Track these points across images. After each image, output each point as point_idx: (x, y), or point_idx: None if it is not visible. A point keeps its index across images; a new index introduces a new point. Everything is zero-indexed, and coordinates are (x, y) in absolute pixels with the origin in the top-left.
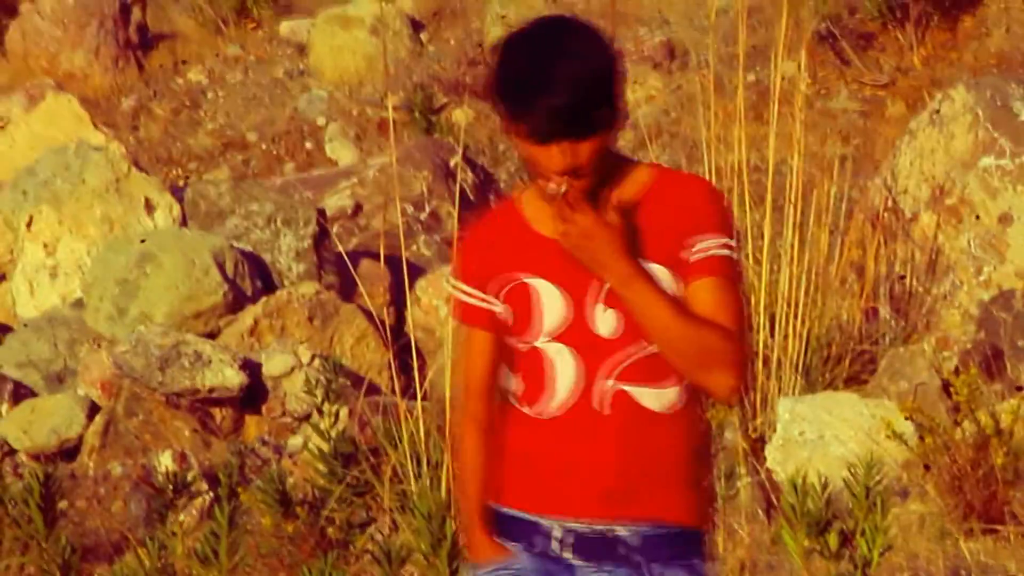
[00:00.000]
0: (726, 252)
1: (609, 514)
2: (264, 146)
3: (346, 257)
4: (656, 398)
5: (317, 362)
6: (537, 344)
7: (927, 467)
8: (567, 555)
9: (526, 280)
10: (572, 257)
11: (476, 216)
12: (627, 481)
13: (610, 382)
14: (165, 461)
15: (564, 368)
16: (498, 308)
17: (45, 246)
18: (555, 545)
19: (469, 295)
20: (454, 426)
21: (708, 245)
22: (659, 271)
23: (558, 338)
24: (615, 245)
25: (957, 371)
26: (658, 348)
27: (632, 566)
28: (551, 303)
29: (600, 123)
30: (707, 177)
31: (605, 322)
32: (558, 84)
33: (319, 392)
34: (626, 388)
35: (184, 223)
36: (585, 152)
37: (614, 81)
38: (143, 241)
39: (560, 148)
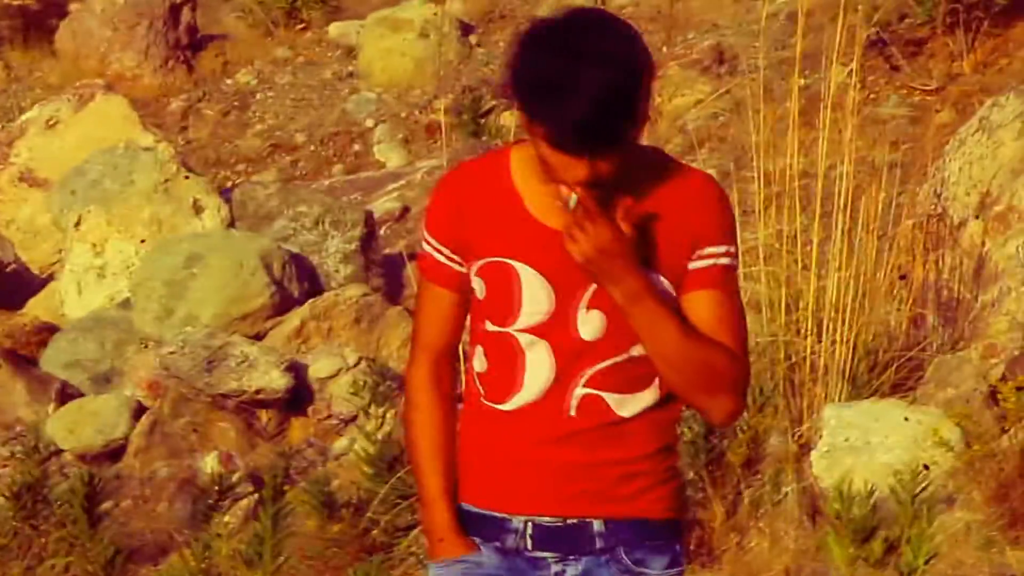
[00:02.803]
0: (728, 261)
1: (580, 511)
2: (312, 148)
3: (398, 259)
4: (629, 404)
5: (363, 364)
6: (509, 330)
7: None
8: (527, 546)
9: (509, 261)
10: (564, 249)
11: (455, 167)
12: (593, 482)
13: (583, 387)
14: (210, 462)
15: (538, 365)
16: (469, 275)
17: (93, 246)
18: (526, 541)
19: (439, 251)
20: (409, 391)
21: (711, 253)
22: (655, 280)
23: (534, 330)
24: (628, 259)
25: (1004, 378)
26: (659, 367)
27: (599, 554)
28: (533, 292)
29: (628, 135)
30: (758, 183)
31: (588, 324)
32: (586, 93)
33: (365, 395)
34: (598, 393)
35: (232, 225)
36: (608, 164)
37: (648, 85)
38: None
39: (583, 160)
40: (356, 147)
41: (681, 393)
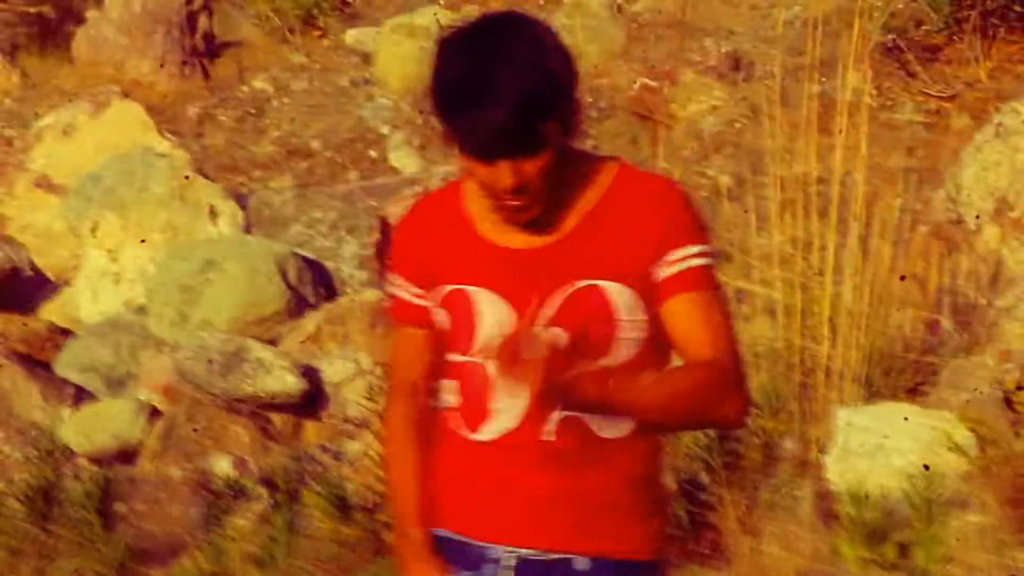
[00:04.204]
0: (703, 261)
1: (562, 545)
2: (328, 154)
3: None
4: (608, 425)
5: (378, 369)
6: (475, 358)
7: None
8: None
9: (466, 287)
10: (518, 267)
11: (414, 202)
12: (578, 512)
13: (558, 409)
14: (224, 466)
15: (508, 390)
16: (434, 308)
17: (109, 252)
18: (505, 573)
19: (404, 289)
20: (385, 427)
21: (683, 255)
22: (617, 291)
23: None
24: (564, 378)
25: (1019, 384)
26: (660, 430)
27: None
28: (493, 315)
29: (550, 137)
30: (773, 189)
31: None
32: (499, 98)
33: (379, 399)
34: (576, 414)
35: (248, 230)
36: (533, 169)
37: (567, 88)
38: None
39: (504, 166)
40: (372, 153)
41: (690, 430)
